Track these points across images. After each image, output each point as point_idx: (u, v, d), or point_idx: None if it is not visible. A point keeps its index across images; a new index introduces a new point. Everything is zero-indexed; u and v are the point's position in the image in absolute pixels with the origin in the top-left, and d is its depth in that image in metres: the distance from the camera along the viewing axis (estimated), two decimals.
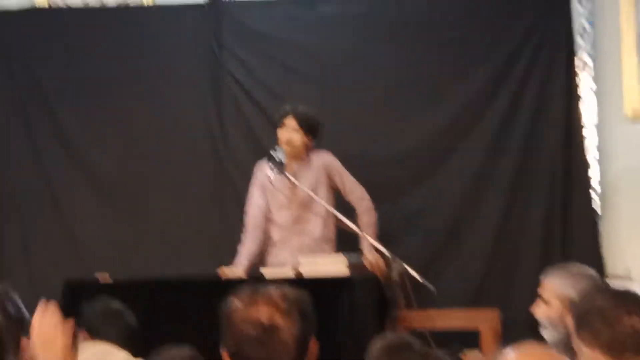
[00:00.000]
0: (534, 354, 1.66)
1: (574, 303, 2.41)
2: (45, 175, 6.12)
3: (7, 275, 6.03)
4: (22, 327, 1.58)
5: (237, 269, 4.92)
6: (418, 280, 4.50)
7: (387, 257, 4.59)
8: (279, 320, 2.06)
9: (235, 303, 2.11)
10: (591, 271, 3.23)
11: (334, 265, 4.56)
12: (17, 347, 1.56)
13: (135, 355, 3.43)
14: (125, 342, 3.55)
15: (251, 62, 5.95)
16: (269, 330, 2.05)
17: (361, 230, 4.84)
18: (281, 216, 5.12)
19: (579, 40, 5.61)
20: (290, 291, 2.14)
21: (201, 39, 5.99)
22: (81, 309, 3.70)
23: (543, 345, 1.69)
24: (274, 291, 2.12)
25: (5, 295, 1.54)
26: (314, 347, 2.15)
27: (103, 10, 6.23)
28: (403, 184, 5.73)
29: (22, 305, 1.59)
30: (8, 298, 1.54)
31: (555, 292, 3.13)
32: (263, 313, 2.06)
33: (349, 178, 5.14)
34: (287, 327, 2.07)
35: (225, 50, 5.96)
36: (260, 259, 5.13)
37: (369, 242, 4.82)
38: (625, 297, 2.28)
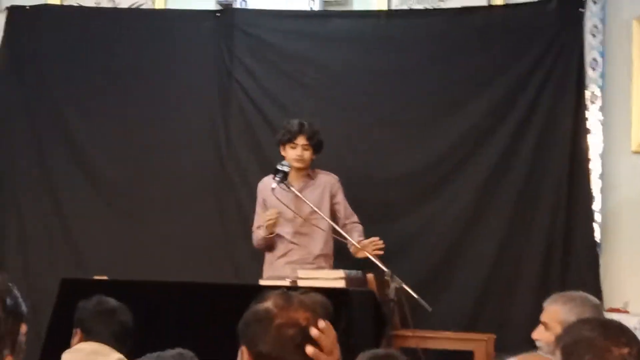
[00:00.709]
0: None
1: (559, 335, 2.38)
2: (48, 174, 6.12)
3: (3, 265, 6.02)
4: (20, 321, 1.56)
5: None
6: (415, 299, 4.47)
7: (386, 274, 4.56)
8: (316, 325, 2.05)
9: (269, 307, 2.10)
10: (594, 300, 3.21)
11: (333, 280, 4.55)
12: (14, 341, 1.53)
13: (130, 355, 3.40)
14: (118, 341, 3.51)
15: (260, 72, 5.95)
16: (308, 334, 2.04)
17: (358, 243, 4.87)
18: (284, 230, 5.12)
19: (589, 72, 5.61)
20: (319, 297, 2.15)
21: (212, 46, 6.00)
22: (76, 308, 3.67)
23: (540, 355, 1.65)
24: (304, 297, 2.13)
25: (4, 288, 1.51)
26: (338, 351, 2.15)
27: (115, 10, 6.24)
28: (404, 205, 5.71)
29: (20, 299, 1.57)
30: (7, 291, 1.51)
31: (557, 318, 3.10)
32: (302, 317, 2.06)
33: (347, 205, 5.24)
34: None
35: (235, 59, 5.97)
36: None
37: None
38: (611, 327, 2.25)
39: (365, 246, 4.85)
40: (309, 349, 2.05)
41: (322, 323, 2.07)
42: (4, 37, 6.21)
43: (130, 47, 6.12)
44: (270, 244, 5.15)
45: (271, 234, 5.04)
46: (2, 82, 6.21)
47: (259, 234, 5.14)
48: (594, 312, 3.05)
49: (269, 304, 2.10)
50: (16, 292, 1.55)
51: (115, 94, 6.11)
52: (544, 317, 3.19)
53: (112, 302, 3.67)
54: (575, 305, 3.11)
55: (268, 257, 5.20)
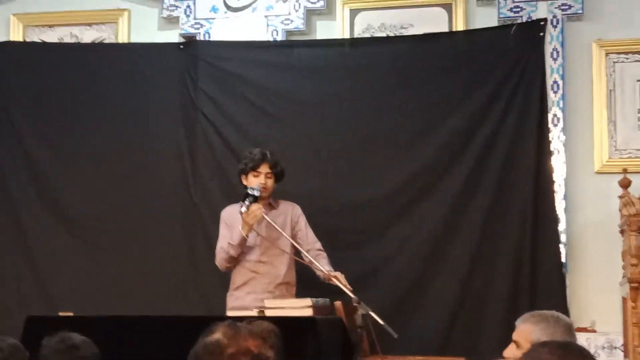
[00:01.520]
0: None
1: (519, 358, 2.37)
2: (13, 209, 6.10)
3: None
4: None
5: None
6: (382, 326, 4.46)
7: (353, 301, 4.56)
8: (267, 352, 2.08)
9: (219, 338, 2.09)
10: (567, 320, 3.21)
11: (300, 309, 4.53)
12: None
13: None
14: None
15: (224, 102, 5.97)
16: None
17: (328, 272, 4.84)
18: (246, 257, 5.11)
19: (551, 95, 5.66)
20: (267, 325, 2.15)
21: (176, 77, 6.02)
22: (40, 345, 3.63)
23: None
24: (253, 325, 2.14)
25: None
26: None
27: (78, 46, 6.25)
28: (371, 230, 5.72)
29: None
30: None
31: (529, 337, 3.10)
32: (252, 345, 2.07)
33: (310, 230, 5.24)
34: (274, 359, 2.08)
35: (199, 90, 5.99)
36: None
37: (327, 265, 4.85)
38: (571, 350, 2.25)
39: (336, 276, 4.85)
40: None
41: None
42: None
43: (95, 82, 6.12)
44: (234, 264, 5.12)
45: (248, 232, 4.99)
46: None
47: (225, 253, 5.08)
48: (565, 332, 3.05)
49: (218, 335, 2.10)
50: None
51: (81, 128, 6.11)
52: (515, 335, 3.19)
53: (76, 338, 3.63)
54: (548, 326, 3.11)
55: (230, 286, 5.18)
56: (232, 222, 5.13)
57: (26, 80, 6.19)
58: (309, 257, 4.93)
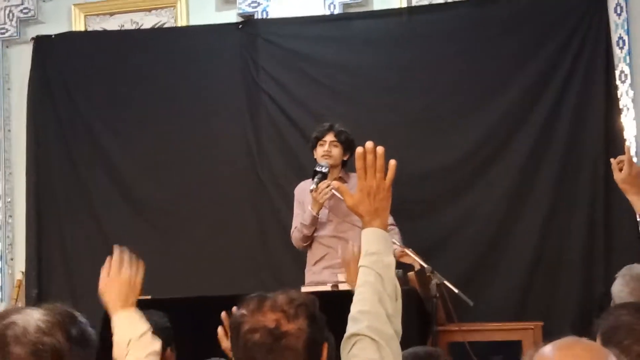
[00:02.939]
0: (572, 347, 1.58)
1: (597, 321, 2.34)
2: (86, 195, 6.22)
3: (53, 299, 6.08)
4: (89, 349, 1.53)
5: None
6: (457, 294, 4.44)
7: (426, 270, 4.54)
8: (287, 325, 2.02)
9: (242, 312, 2.08)
10: None
11: None
12: None
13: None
14: None
15: (286, 79, 5.98)
16: (277, 336, 2.01)
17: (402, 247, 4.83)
18: (321, 232, 5.12)
19: (616, 51, 5.55)
20: (297, 295, 2.10)
21: (237, 57, 6.04)
22: None
23: (585, 339, 1.60)
24: (280, 297, 2.08)
25: (67, 316, 1.49)
26: (325, 351, 2.10)
27: (139, 32, 6.31)
28: (440, 200, 5.70)
29: (89, 327, 1.54)
30: (71, 321, 1.49)
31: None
32: (269, 319, 2.03)
33: None
34: (295, 332, 2.02)
35: (260, 68, 6.01)
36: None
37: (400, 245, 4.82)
38: None
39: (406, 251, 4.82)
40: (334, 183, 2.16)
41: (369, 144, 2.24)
42: (32, 67, 6.32)
43: (156, 66, 6.18)
44: (310, 241, 5.14)
45: (318, 210, 5.01)
46: (35, 108, 6.31)
47: (299, 233, 5.14)
48: None
49: (243, 309, 2.08)
50: (82, 319, 1.53)
51: (146, 113, 6.18)
52: None
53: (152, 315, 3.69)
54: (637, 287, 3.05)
55: (308, 262, 5.20)
56: (303, 199, 5.15)
57: (90, 68, 6.28)
58: None
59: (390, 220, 5.15)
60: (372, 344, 2.17)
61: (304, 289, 4.76)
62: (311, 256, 5.18)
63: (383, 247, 2.31)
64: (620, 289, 3.07)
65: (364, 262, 2.28)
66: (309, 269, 5.18)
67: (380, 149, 2.25)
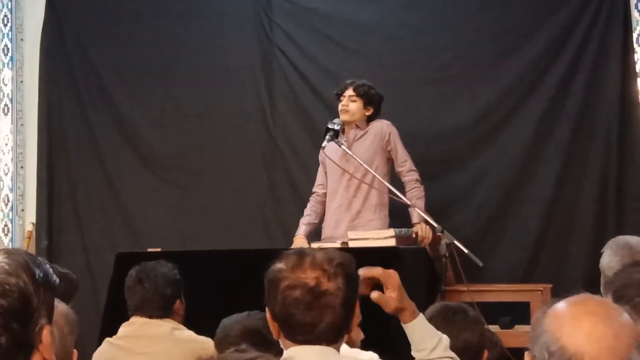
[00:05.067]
0: (585, 303, 1.58)
1: (608, 278, 2.34)
2: (98, 151, 6.23)
3: (63, 251, 6.14)
4: (52, 291, 1.56)
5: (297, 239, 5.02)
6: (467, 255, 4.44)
7: (437, 230, 4.54)
8: (326, 284, 2.06)
9: (281, 267, 2.10)
10: None
11: (383, 239, 4.53)
12: (50, 312, 1.55)
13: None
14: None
15: (300, 37, 5.95)
16: (316, 294, 2.05)
17: (411, 203, 4.80)
18: (338, 185, 5.11)
19: (634, 14, 5.48)
20: (335, 254, 2.13)
21: (250, 14, 6.00)
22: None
23: (597, 296, 1.61)
24: (319, 255, 2.11)
25: (31, 261, 1.52)
26: (358, 308, 2.15)
27: None
28: (454, 159, 5.67)
29: (51, 271, 1.58)
30: (36, 264, 1.53)
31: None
32: (309, 276, 2.06)
33: (402, 149, 5.12)
34: (334, 291, 2.06)
35: (274, 25, 5.96)
36: (318, 227, 5.17)
37: (418, 214, 4.79)
38: None
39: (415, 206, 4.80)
40: (374, 294, 2.17)
41: (378, 270, 2.20)
42: (45, 17, 6.32)
43: (170, 22, 6.15)
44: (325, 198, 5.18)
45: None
46: (48, 60, 6.29)
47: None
48: None
49: (281, 264, 2.11)
50: (46, 266, 1.56)
51: (158, 69, 6.17)
52: None
53: (159, 265, 3.72)
54: None
55: (326, 213, 5.18)
56: (322, 160, 5.16)
57: (104, 25, 6.26)
58: (392, 189, 4.82)
59: (408, 165, 5.11)
60: None
61: (313, 245, 4.77)
62: (325, 212, 5.17)
63: (433, 331, 2.33)
64: (609, 260, 3.07)
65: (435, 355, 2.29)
66: (322, 226, 5.17)
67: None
